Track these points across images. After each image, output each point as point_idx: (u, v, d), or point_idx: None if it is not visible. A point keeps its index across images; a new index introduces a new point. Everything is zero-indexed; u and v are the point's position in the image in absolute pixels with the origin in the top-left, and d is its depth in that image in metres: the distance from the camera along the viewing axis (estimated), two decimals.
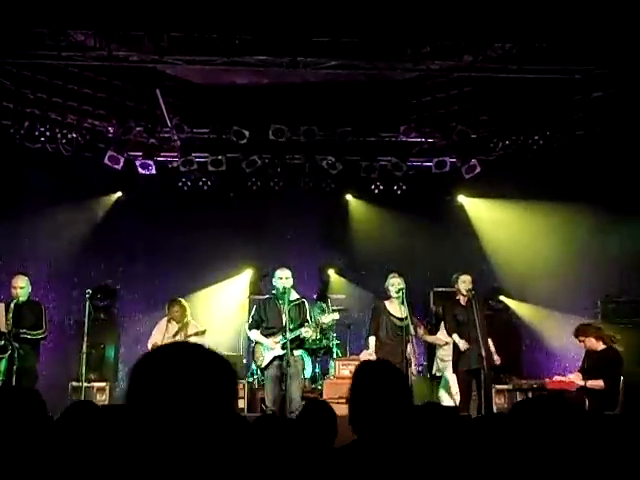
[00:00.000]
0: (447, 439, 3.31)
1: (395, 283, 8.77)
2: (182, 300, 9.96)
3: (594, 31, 8.62)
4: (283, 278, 8.62)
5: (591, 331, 8.36)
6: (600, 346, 8.21)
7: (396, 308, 8.78)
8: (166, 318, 9.90)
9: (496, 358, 8.70)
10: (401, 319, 8.68)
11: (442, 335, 9.91)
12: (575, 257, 10.96)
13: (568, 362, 10.24)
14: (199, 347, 1.70)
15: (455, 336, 8.72)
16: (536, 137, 10.62)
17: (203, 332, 9.86)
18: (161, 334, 9.75)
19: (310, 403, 4.77)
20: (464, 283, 8.74)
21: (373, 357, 8.47)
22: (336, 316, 9.41)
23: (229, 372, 1.66)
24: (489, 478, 2.62)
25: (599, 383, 7.99)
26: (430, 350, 10.65)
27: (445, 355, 9.71)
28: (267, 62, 9.29)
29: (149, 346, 9.76)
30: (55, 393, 9.86)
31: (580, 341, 8.42)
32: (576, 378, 8.32)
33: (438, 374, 9.99)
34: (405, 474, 2.60)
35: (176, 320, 9.81)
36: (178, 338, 9.66)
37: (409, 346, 8.58)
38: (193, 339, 9.80)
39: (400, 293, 8.67)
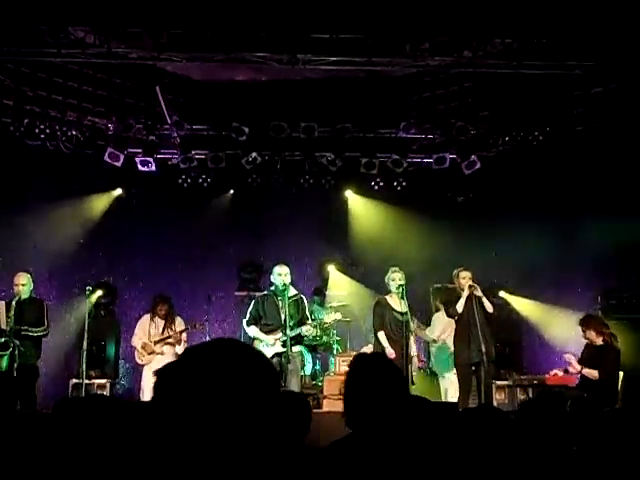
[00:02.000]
0: (443, 434, 3.30)
1: (396, 278, 8.74)
2: (167, 296, 10.01)
3: (594, 27, 8.60)
4: (282, 274, 8.61)
5: (594, 324, 8.40)
6: (599, 341, 8.25)
7: (397, 303, 8.76)
8: (148, 315, 9.94)
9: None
10: (402, 314, 8.66)
11: (429, 332, 9.94)
12: (575, 252, 10.96)
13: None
14: (239, 345, 1.61)
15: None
16: (536, 133, 10.60)
17: (202, 324, 9.90)
18: (144, 332, 9.79)
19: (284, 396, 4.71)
20: (464, 279, 8.74)
21: (389, 351, 8.41)
22: (339, 316, 9.41)
23: (272, 371, 1.60)
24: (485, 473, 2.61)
25: (593, 373, 8.04)
26: (426, 346, 10.67)
27: (437, 351, 9.74)
28: (266, 59, 9.30)
29: (135, 345, 9.81)
30: (56, 390, 9.92)
31: (582, 330, 8.46)
32: (572, 368, 8.35)
33: (434, 369, 10.01)
34: (399, 468, 2.58)
35: (161, 317, 9.85)
36: (167, 334, 9.73)
37: (411, 341, 8.59)
38: (184, 335, 9.86)
39: (400, 289, 8.65)
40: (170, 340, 9.75)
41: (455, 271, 8.90)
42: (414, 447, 2.71)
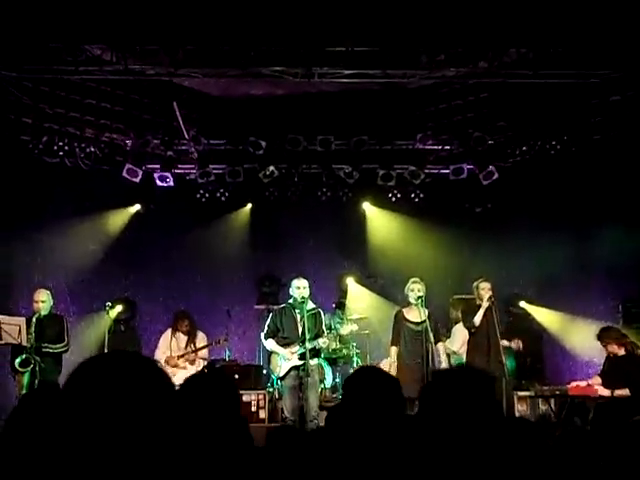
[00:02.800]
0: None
1: (415, 289, 8.71)
2: (187, 312, 10.03)
3: (610, 34, 8.56)
4: (301, 288, 8.62)
5: (613, 335, 8.29)
6: (621, 352, 8.14)
7: (415, 314, 8.72)
8: (170, 330, 9.95)
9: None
10: (418, 323, 8.62)
11: (449, 343, 9.87)
12: (594, 261, 10.89)
13: (591, 368, 10.16)
14: (133, 356, 1.68)
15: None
16: (553, 142, 10.55)
17: (225, 340, 9.90)
18: (167, 346, 9.80)
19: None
20: (483, 290, 8.69)
21: (394, 367, 8.45)
22: (355, 327, 9.36)
23: (162, 380, 1.65)
24: None
25: (625, 392, 7.91)
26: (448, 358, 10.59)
27: (456, 364, 9.66)
28: (282, 73, 9.32)
29: (158, 358, 9.80)
30: None
31: (602, 345, 8.35)
32: (595, 382, 8.26)
33: None
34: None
35: (183, 332, 9.87)
36: (190, 349, 9.74)
37: (431, 353, 8.50)
38: (204, 352, 9.86)
39: (420, 300, 8.62)
40: (191, 357, 9.75)
41: (475, 282, 8.86)
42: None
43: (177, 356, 9.73)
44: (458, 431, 2.31)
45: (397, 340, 8.73)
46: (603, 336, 8.36)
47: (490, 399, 2.44)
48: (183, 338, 9.88)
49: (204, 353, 9.94)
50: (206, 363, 9.96)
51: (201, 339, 9.93)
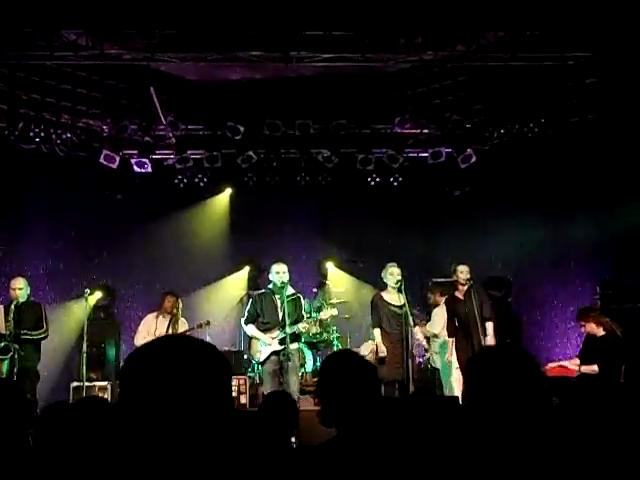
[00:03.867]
0: (441, 429, 3.32)
1: (394, 273, 8.78)
2: (177, 295, 10.01)
3: (587, 17, 8.61)
4: (280, 273, 8.63)
5: (592, 316, 8.39)
6: (600, 332, 8.24)
7: (394, 297, 8.80)
8: (154, 314, 9.91)
9: (489, 340, 8.63)
10: (400, 307, 8.70)
11: (429, 327, 9.95)
12: (572, 244, 11.00)
13: (568, 349, 10.30)
14: (192, 340, 1.66)
15: (450, 341, 8.88)
16: (531, 125, 10.62)
17: (207, 323, 9.88)
18: (148, 330, 9.77)
19: (271, 395, 4.78)
20: (462, 273, 8.78)
21: (381, 348, 8.53)
22: (335, 312, 9.37)
23: (224, 364, 1.64)
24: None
25: (593, 368, 8.04)
26: (427, 341, 10.67)
27: (436, 347, 9.75)
28: (260, 57, 9.30)
29: (136, 343, 9.78)
30: (57, 393, 9.94)
31: (581, 325, 8.46)
32: (571, 364, 8.38)
33: (434, 365, 10.03)
34: (388, 468, 2.58)
35: (167, 311, 9.80)
36: (171, 333, 9.69)
37: (410, 335, 8.60)
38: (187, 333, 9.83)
39: (399, 283, 8.69)
40: None
41: (452, 266, 8.95)
42: (402, 444, 2.70)
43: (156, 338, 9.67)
44: (507, 411, 2.37)
45: (378, 322, 8.81)
46: (582, 316, 8.47)
47: (539, 377, 2.52)
48: (165, 323, 9.84)
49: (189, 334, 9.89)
50: None
51: (182, 324, 9.91)
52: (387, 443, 2.68)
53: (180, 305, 9.91)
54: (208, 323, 9.92)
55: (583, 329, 8.45)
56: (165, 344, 1.66)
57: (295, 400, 4.44)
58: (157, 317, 9.85)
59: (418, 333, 8.93)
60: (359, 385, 2.83)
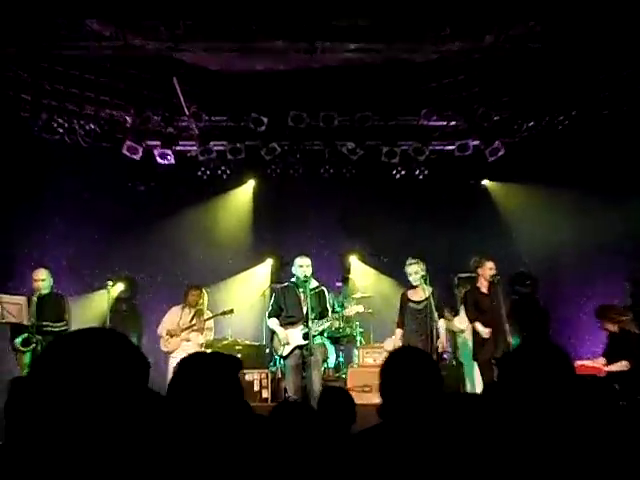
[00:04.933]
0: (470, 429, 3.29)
1: (412, 272, 8.71)
2: (201, 288, 10.04)
3: (619, 6, 8.48)
4: (304, 266, 8.62)
5: (609, 314, 8.33)
6: (615, 328, 8.20)
7: (418, 292, 8.76)
8: (180, 306, 9.96)
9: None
10: (420, 301, 8.65)
11: (457, 322, 9.86)
12: (603, 239, 10.86)
13: (597, 348, 10.18)
14: (107, 332, 1.71)
15: (477, 324, 8.65)
16: (561, 117, 10.51)
17: (231, 311, 9.90)
18: (172, 321, 9.81)
19: (328, 390, 4.80)
20: (490, 269, 8.68)
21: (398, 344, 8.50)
22: (360, 308, 9.30)
23: (137, 357, 1.68)
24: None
25: (622, 364, 7.96)
26: (453, 337, 10.61)
27: (462, 343, 9.68)
28: (285, 48, 9.26)
29: (160, 333, 9.82)
30: None
31: (599, 323, 8.42)
32: (596, 363, 8.30)
33: (461, 360, 9.97)
34: (428, 460, 2.60)
35: (191, 304, 9.85)
36: (194, 323, 9.73)
37: (435, 330, 8.52)
38: (210, 323, 9.86)
39: (421, 280, 8.63)
40: (195, 327, 9.73)
41: (476, 260, 8.84)
42: (444, 440, 2.71)
43: (181, 329, 9.74)
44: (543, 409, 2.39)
45: (401, 322, 8.78)
46: (599, 314, 8.42)
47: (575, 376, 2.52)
48: (189, 315, 9.87)
49: (210, 323, 9.93)
50: (211, 335, 9.98)
51: (206, 315, 9.93)
52: (438, 439, 2.69)
53: (205, 298, 9.96)
54: (232, 311, 9.94)
55: (601, 327, 8.40)
56: (80, 335, 1.71)
57: (351, 396, 4.46)
58: (182, 309, 9.92)
59: (441, 327, 8.80)
60: (421, 381, 2.89)
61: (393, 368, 2.99)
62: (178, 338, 9.67)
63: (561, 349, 2.74)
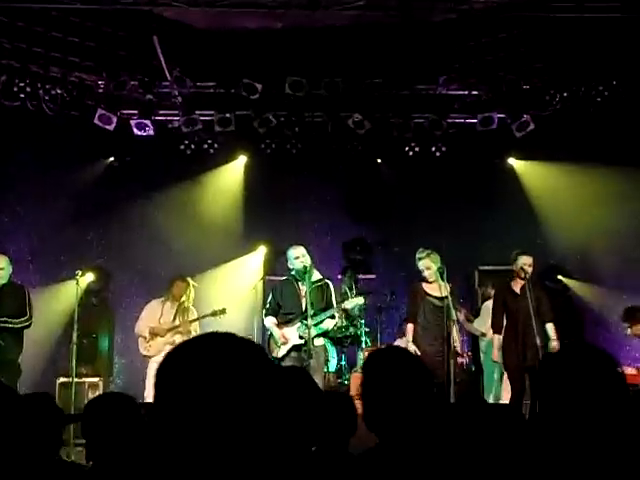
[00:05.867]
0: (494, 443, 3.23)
1: (424, 267, 8.58)
2: (187, 280, 9.92)
3: None
4: (300, 256, 8.50)
5: (638, 316, 8.31)
6: None
7: (435, 287, 8.62)
8: (160, 299, 9.86)
9: (554, 345, 8.41)
10: (441, 299, 8.53)
11: (478, 324, 9.77)
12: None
13: (637, 353, 10.11)
14: (234, 337, 1.69)
15: (496, 337, 8.56)
16: (600, 88, 10.40)
17: (223, 311, 9.81)
18: (152, 317, 9.70)
19: (327, 396, 4.71)
20: (526, 265, 8.48)
21: (411, 347, 8.36)
22: (361, 300, 9.25)
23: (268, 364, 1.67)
24: None
25: None
26: (474, 339, 10.53)
27: (482, 346, 9.58)
28: (283, 2, 9.11)
29: (139, 332, 9.72)
30: (40, 390, 9.87)
31: (627, 326, 8.40)
32: (632, 369, 8.28)
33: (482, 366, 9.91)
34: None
35: (175, 298, 9.74)
36: (178, 324, 9.62)
37: (454, 331, 8.40)
38: (195, 325, 9.74)
39: (436, 275, 8.51)
40: (180, 329, 9.62)
41: (514, 254, 8.67)
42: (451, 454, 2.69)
43: (166, 329, 9.64)
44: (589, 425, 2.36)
45: (414, 316, 8.63)
46: (628, 317, 8.37)
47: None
48: (172, 311, 9.77)
49: (196, 326, 9.82)
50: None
51: (192, 314, 9.83)
52: (435, 455, 2.65)
53: (192, 291, 9.84)
54: (224, 311, 9.85)
55: (630, 331, 8.38)
56: (209, 342, 1.69)
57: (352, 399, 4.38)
58: (164, 303, 9.80)
59: (453, 329, 8.67)
60: (407, 387, 2.81)
61: (373, 371, 2.94)
62: (162, 340, 9.56)
63: (610, 355, 2.62)
